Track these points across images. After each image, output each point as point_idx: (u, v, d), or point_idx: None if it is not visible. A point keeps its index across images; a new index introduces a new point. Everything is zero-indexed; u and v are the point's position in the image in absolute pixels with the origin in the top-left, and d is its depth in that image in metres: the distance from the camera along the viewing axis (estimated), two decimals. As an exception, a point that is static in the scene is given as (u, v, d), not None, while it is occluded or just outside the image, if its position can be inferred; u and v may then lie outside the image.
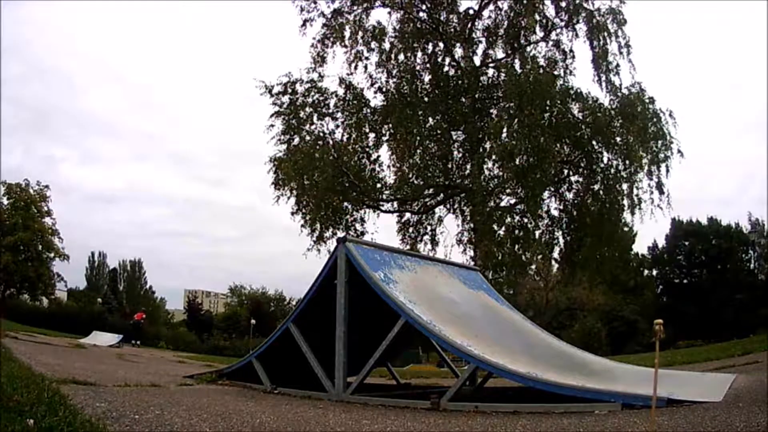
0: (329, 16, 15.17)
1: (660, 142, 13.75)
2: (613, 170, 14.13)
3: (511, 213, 14.85)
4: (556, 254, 16.30)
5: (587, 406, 3.02)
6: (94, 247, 76.87)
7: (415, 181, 15.30)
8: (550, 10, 14.79)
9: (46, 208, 34.72)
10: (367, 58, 15.31)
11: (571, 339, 21.80)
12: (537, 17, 14.47)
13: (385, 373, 7.10)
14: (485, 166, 14.55)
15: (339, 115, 15.30)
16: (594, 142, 14.31)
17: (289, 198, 15.23)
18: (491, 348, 3.76)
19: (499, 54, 15.58)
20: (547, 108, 13.78)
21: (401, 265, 4.55)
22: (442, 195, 16.25)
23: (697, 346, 20.07)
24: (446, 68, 15.75)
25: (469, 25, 15.64)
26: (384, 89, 15.47)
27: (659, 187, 13.89)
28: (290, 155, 14.87)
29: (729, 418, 2.53)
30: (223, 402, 3.58)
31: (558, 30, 14.87)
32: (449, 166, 15.61)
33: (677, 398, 2.95)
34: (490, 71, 15.60)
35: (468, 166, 15.33)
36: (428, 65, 15.70)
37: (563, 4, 14.59)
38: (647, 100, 13.80)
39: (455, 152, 15.72)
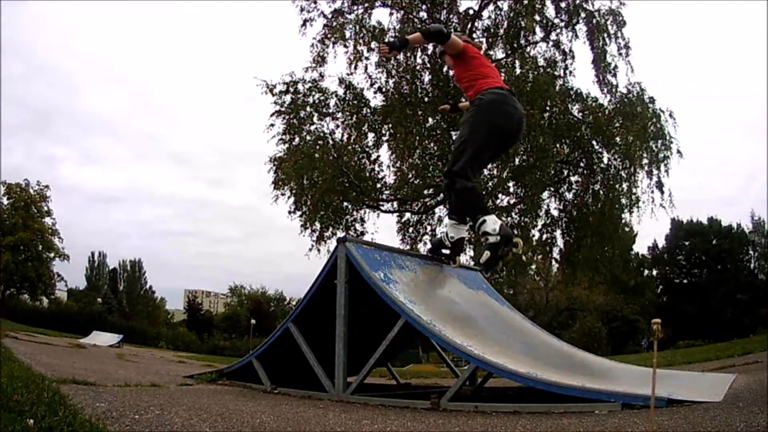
0: (329, 16, 15.21)
1: (660, 141, 13.80)
2: (612, 170, 14.17)
3: (509, 213, 14.88)
4: (555, 254, 16.35)
5: (587, 406, 3.01)
6: (94, 247, 77.14)
7: (415, 181, 15.32)
8: (549, 11, 14.83)
9: (46, 208, 34.85)
10: (367, 58, 15.34)
11: (571, 339, 21.81)
12: (537, 18, 14.50)
13: (385, 373, 7.09)
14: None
15: (339, 115, 15.34)
16: (594, 142, 14.34)
17: (288, 198, 15.27)
18: (491, 348, 3.75)
19: (499, 54, 15.62)
20: (547, 108, 13.81)
21: (401, 265, 4.54)
22: (441, 195, 16.26)
23: (697, 346, 20.09)
24: (446, 68, 15.77)
25: (469, 26, 15.65)
26: (384, 89, 15.51)
27: (659, 186, 13.95)
28: (290, 155, 14.90)
29: (729, 418, 2.53)
30: (223, 402, 3.58)
31: (558, 30, 14.91)
32: (449, 166, 15.62)
33: (677, 398, 2.95)
34: (490, 71, 15.62)
35: (468, 166, 15.33)
36: (428, 65, 15.72)
37: (563, 5, 14.62)
38: (647, 100, 13.84)
39: (455, 152, 15.72)
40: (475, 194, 4.20)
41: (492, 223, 3.99)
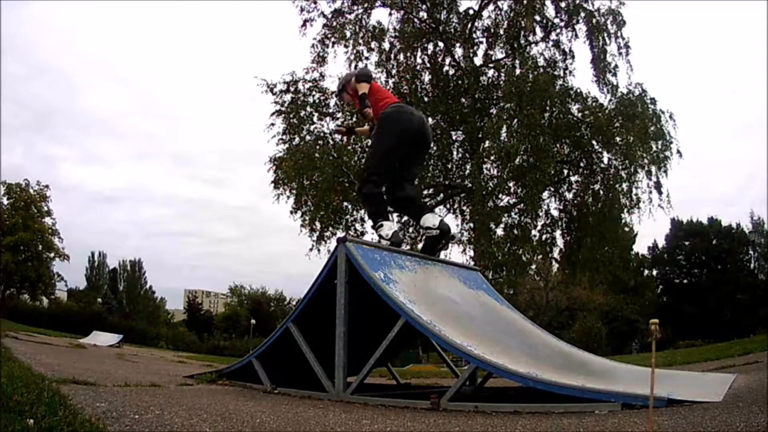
0: (329, 16, 15.23)
1: (660, 142, 13.80)
2: (612, 170, 14.18)
3: (509, 212, 14.89)
4: (555, 254, 16.37)
5: (587, 406, 3.01)
6: (94, 247, 77.20)
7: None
8: (549, 11, 14.86)
9: (46, 208, 34.81)
10: (367, 58, 15.37)
11: (571, 339, 21.82)
12: (537, 18, 14.52)
13: (385, 373, 7.09)
14: (484, 166, 14.59)
15: (339, 115, 15.34)
16: (594, 142, 14.35)
17: (288, 198, 15.28)
18: (491, 348, 3.75)
19: (499, 54, 15.64)
20: (547, 108, 13.82)
21: (401, 265, 4.54)
22: (441, 195, 16.26)
23: (697, 346, 20.08)
24: (446, 68, 15.79)
25: (469, 25, 15.66)
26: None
27: (658, 187, 13.96)
28: (290, 155, 14.90)
29: (729, 418, 2.53)
30: (223, 402, 3.58)
31: (558, 30, 14.93)
32: (449, 166, 15.64)
33: (677, 398, 2.95)
34: (490, 71, 15.64)
35: (468, 166, 15.36)
36: (428, 65, 15.73)
37: (563, 5, 14.63)
38: (648, 101, 13.85)
39: (455, 152, 15.75)
40: (379, 200, 4.74)
41: (387, 229, 4.65)
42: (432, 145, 15.43)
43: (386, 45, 15.46)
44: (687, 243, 41.27)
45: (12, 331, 13.78)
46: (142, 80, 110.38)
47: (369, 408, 3.58)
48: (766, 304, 31.54)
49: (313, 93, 15.19)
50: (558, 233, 15.72)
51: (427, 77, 15.77)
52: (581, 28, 14.50)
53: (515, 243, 14.85)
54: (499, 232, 14.85)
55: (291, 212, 15.28)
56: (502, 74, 14.78)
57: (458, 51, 15.70)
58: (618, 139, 13.79)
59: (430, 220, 4.77)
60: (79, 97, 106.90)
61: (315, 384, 4.17)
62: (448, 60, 15.75)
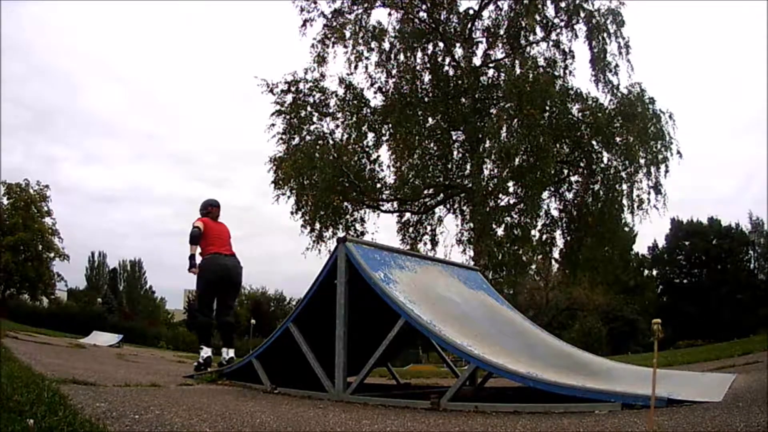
0: (329, 16, 15.21)
1: (660, 142, 13.79)
2: (612, 170, 14.17)
3: (509, 212, 14.88)
4: (556, 254, 16.36)
5: (587, 406, 3.01)
6: (94, 247, 76.90)
7: (415, 181, 15.32)
8: (550, 11, 14.83)
9: (46, 208, 34.68)
10: (367, 58, 15.34)
11: (571, 339, 21.82)
12: (537, 17, 14.49)
13: (385, 373, 7.09)
14: (485, 166, 14.58)
15: (339, 115, 15.33)
16: (594, 142, 14.34)
17: (288, 198, 15.27)
18: (491, 348, 3.75)
19: (499, 54, 15.62)
20: (547, 108, 13.80)
21: (401, 265, 4.54)
22: (441, 195, 16.26)
23: (697, 346, 20.06)
24: (446, 68, 15.77)
25: (469, 25, 15.65)
26: (384, 89, 15.50)
27: (656, 187, 13.94)
28: (290, 155, 14.90)
29: (729, 418, 2.53)
30: (223, 402, 3.58)
31: (558, 30, 14.91)
32: (449, 166, 15.64)
33: (677, 398, 2.95)
34: (490, 71, 15.63)
35: (468, 166, 15.35)
36: (428, 65, 15.72)
37: (563, 5, 14.61)
38: (648, 101, 13.84)
39: (455, 152, 15.75)
40: (205, 329, 6.39)
41: (204, 353, 6.11)
42: (433, 145, 15.54)
43: (386, 45, 15.44)
44: (687, 243, 41.21)
45: (12, 331, 13.76)
46: (142, 80, 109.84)
47: (369, 408, 3.58)
48: (766, 304, 31.53)
49: (314, 93, 15.18)
50: (558, 233, 15.70)
51: (427, 77, 15.75)
52: (581, 27, 14.49)
53: (515, 243, 14.84)
54: (500, 232, 14.85)
55: (291, 213, 15.27)
56: (502, 74, 14.75)
57: (458, 51, 15.69)
58: (618, 139, 13.77)
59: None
60: (79, 97, 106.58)
61: (315, 384, 4.17)
62: (448, 60, 15.73)
